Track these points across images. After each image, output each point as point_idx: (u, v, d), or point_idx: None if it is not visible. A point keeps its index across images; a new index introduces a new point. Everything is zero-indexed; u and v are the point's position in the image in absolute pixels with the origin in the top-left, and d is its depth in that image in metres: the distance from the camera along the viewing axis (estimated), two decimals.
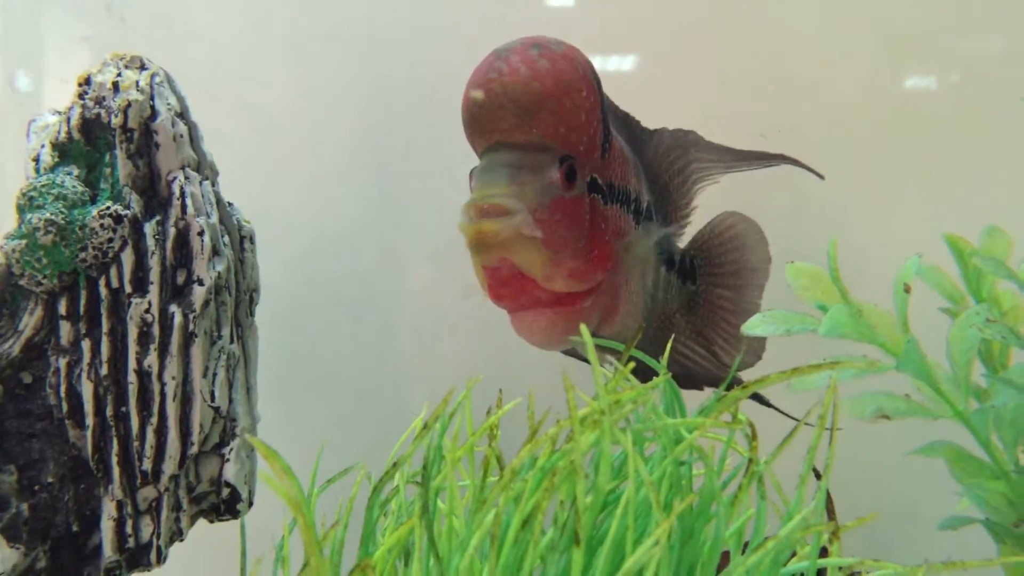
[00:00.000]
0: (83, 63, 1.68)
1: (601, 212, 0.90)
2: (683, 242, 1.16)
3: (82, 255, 0.86)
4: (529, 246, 0.80)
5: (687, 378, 1.08)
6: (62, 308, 0.88)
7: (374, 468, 1.02)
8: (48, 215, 0.85)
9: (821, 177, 1.14)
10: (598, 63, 0.92)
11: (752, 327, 1.08)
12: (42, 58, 1.73)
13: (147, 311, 0.88)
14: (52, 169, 0.90)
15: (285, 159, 1.55)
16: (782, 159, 1.10)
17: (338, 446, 1.05)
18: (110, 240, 0.87)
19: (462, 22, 1.50)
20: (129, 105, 0.90)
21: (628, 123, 1.06)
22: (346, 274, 1.54)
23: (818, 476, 0.68)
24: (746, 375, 1.15)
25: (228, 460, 0.93)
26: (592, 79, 0.87)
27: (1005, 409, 1.04)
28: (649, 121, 1.08)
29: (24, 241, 0.85)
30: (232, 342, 0.96)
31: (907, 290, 1.03)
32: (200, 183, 0.94)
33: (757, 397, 1.08)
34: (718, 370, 1.10)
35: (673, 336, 1.08)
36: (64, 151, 0.91)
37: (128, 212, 0.88)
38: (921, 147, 1.44)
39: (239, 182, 1.05)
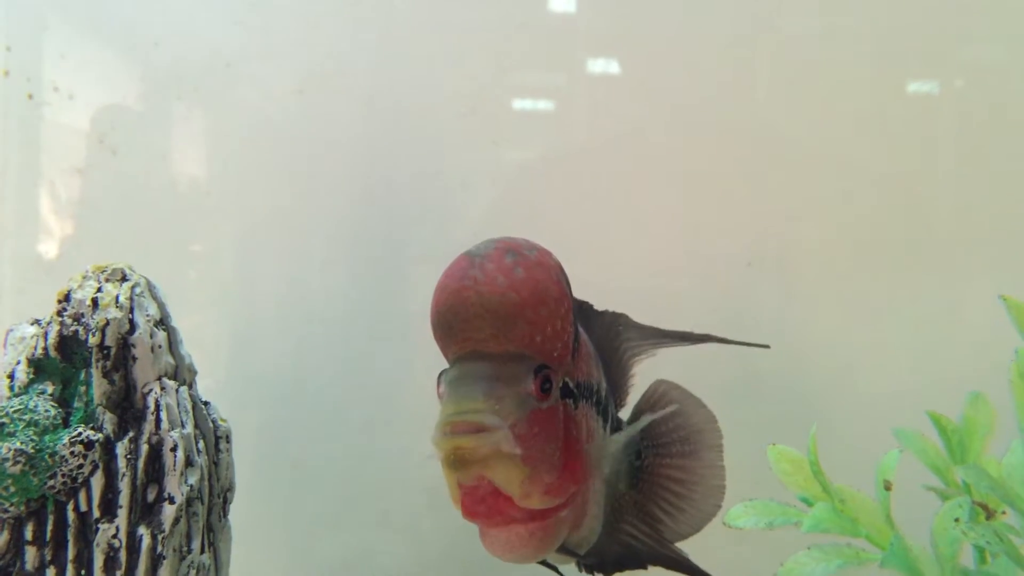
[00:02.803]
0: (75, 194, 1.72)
1: (573, 418, 0.89)
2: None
3: (51, 482, 0.85)
4: (508, 464, 0.78)
5: (630, 558, 1.05)
6: (28, 533, 0.86)
7: None
8: (18, 444, 0.84)
9: (766, 347, 1.13)
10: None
11: (735, 518, 1.07)
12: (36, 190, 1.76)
13: (114, 536, 0.87)
14: (26, 387, 0.90)
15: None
16: (708, 338, 1.10)
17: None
18: (80, 466, 0.86)
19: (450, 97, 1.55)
20: (107, 323, 0.90)
21: (583, 309, 1.06)
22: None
23: None
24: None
25: None
26: (564, 282, 0.87)
27: None
28: None
29: None
30: (203, 552, 0.94)
31: (888, 487, 1.03)
32: (177, 390, 0.94)
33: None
34: (660, 546, 1.07)
35: (621, 518, 1.05)
36: (40, 367, 0.91)
37: (99, 436, 0.88)
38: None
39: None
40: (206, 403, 1.01)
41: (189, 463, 0.92)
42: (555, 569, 1.06)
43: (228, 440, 1.02)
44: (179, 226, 1.72)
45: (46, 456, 0.85)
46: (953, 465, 1.15)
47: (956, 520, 1.01)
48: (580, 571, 1.07)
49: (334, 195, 1.64)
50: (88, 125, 1.71)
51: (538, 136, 1.62)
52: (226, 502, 1.01)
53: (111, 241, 1.76)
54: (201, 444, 0.96)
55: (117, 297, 0.92)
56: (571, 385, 0.89)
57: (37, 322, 0.95)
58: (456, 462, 0.77)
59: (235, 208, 1.69)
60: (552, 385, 0.84)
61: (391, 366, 1.56)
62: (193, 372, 1.01)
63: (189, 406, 0.95)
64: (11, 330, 0.95)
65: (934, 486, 1.16)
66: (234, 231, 1.70)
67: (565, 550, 0.95)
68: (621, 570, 1.05)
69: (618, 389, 1.09)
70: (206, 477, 0.96)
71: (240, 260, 1.70)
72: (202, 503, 0.94)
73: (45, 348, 0.91)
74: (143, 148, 1.72)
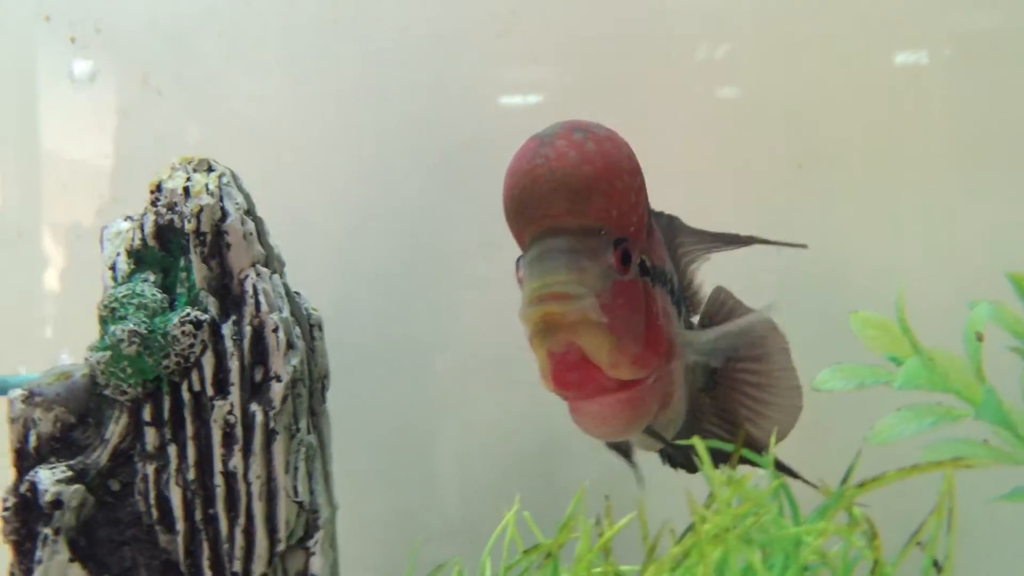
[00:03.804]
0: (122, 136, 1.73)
1: (652, 295, 0.88)
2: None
3: (165, 362, 0.88)
4: (596, 331, 0.78)
5: (717, 458, 1.06)
6: (146, 415, 0.89)
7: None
8: (131, 326, 0.86)
9: (803, 247, 1.11)
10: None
11: (823, 382, 1.07)
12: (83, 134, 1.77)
13: (230, 412, 0.89)
14: (129, 277, 0.91)
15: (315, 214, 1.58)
16: (753, 240, 1.09)
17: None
18: (191, 346, 0.88)
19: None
20: (201, 209, 0.91)
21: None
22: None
23: (938, 568, 0.66)
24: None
25: (314, 554, 0.93)
26: (636, 159, 0.87)
27: None
28: None
29: (108, 352, 0.87)
30: (309, 433, 0.97)
31: (980, 339, 1.02)
32: (270, 277, 0.96)
33: (784, 468, 1.05)
34: (745, 447, 1.07)
35: (702, 417, 1.06)
36: (139, 258, 0.92)
37: (207, 316, 0.90)
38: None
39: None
40: (296, 293, 1.03)
41: (290, 345, 0.94)
42: (629, 461, 1.08)
43: (320, 328, 1.03)
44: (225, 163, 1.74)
45: (159, 337, 0.87)
46: None
47: None
48: (664, 463, 1.08)
49: (374, 123, 1.62)
50: (131, 65, 1.71)
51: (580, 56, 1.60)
52: (323, 389, 1.04)
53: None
54: (297, 330, 0.98)
55: (207, 185, 0.93)
56: (648, 264, 0.89)
57: (130, 218, 0.97)
58: (545, 329, 0.78)
59: (280, 138, 1.69)
60: (631, 258, 0.83)
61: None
62: (281, 263, 1.02)
63: (283, 292, 0.97)
64: (105, 227, 0.97)
65: (1017, 347, 1.15)
66: (282, 161, 1.69)
67: (653, 433, 0.96)
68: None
69: (685, 290, 1.09)
70: (305, 361, 0.98)
71: (294, 188, 1.70)
72: (304, 385, 0.96)
73: (143, 239, 0.92)
74: (187, 87, 1.72)
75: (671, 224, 1.05)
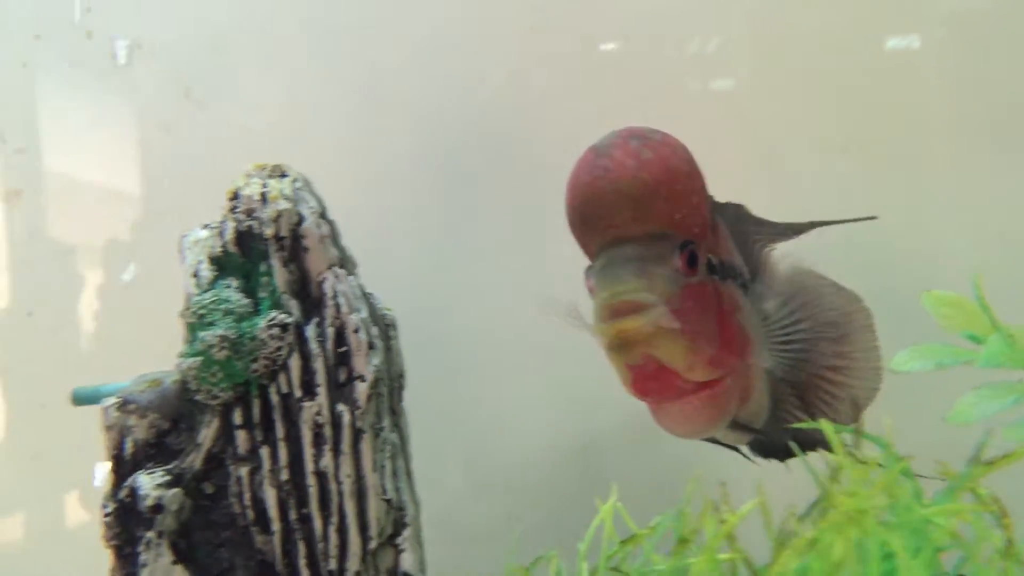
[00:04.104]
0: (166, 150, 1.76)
1: (722, 293, 0.89)
2: None
3: (254, 366, 0.89)
4: (670, 338, 0.79)
5: (804, 444, 1.05)
6: (236, 418, 0.91)
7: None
8: (220, 331, 0.88)
9: (873, 219, 1.10)
10: None
11: (901, 363, 1.06)
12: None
13: (318, 413, 0.90)
14: (212, 283, 0.93)
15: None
16: (815, 225, 1.08)
17: None
18: (279, 348, 0.89)
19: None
20: (280, 215, 0.93)
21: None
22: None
23: None
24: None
25: (404, 550, 0.95)
26: (693, 160, 0.87)
27: None
28: None
29: (199, 358, 0.88)
30: (392, 431, 0.98)
31: None
32: (347, 279, 0.97)
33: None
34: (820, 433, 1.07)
35: (780, 404, 1.06)
36: (221, 264, 0.94)
37: (292, 319, 0.91)
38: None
39: None
40: (369, 293, 1.04)
41: (371, 345, 0.95)
42: (737, 450, 1.07)
43: (395, 328, 1.04)
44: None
45: (247, 341, 0.89)
46: None
47: None
48: (755, 455, 1.08)
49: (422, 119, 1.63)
50: (173, 79, 1.73)
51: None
52: (400, 387, 1.05)
53: (208, 191, 1.80)
54: (375, 330, 0.99)
55: (282, 191, 0.94)
56: (714, 261, 0.89)
57: (207, 226, 0.98)
58: (621, 345, 0.79)
59: (320, 143, 1.70)
60: (698, 260, 0.84)
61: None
62: (354, 264, 1.03)
63: (360, 293, 0.98)
64: (184, 236, 0.98)
65: None
66: (323, 164, 1.70)
67: (740, 426, 0.96)
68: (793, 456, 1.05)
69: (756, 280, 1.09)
70: (384, 360, 0.98)
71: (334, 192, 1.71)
72: (384, 385, 0.97)
73: (223, 245, 0.94)
74: (228, 99, 1.74)
75: (739, 213, 1.05)
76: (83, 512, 1.62)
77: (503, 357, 1.53)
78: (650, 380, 0.82)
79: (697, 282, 0.83)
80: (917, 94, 1.46)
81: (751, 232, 1.06)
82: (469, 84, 1.60)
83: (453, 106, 1.60)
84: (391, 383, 1.01)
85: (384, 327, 1.03)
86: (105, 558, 0.91)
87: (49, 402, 1.61)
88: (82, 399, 0.94)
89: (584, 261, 0.88)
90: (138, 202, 1.76)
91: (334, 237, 0.99)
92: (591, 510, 0.97)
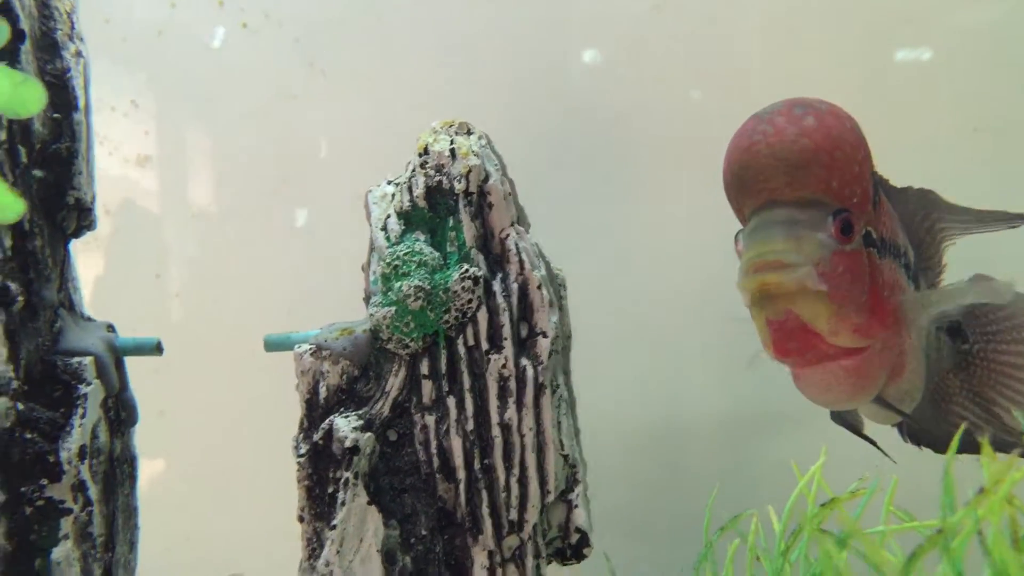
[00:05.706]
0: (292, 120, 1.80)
1: (878, 266, 0.87)
2: None
3: (445, 317, 0.91)
4: (814, 299, 0.79)
5: (967, 443, 1.03)
6: (423, 368, 0.93)
7: None
8: (416, 282, 0.90)
9: None
10: None
11: None
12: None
13: (504, 366, 0.92)
14: (401, 237, 0.95)
15: None
16: (1016, 217, 1.03)
17: None
18: (469, 301, 0.91)
19: None
20: (470, 170, 0.94)
21: (881, 182, 1.03)
22: None
23: None
24: None
25: (577, 506, 0.96)
26: (859, 131, 0.85)
27: None
28: None
29: (394, 308, 0.90)
30: (565, 388, 0.99)
31: None
32: (526, 237, 0.98)
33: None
34: (1003, 433, 1.04)
35: (950, 399, 1.03)
36: (408, 219, 0.96)
37: (482, 273, 0.92)
38: None
39: None
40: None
41: (551, 303, 0.95)
42: (873, 443, 1.06)
43: (565, 287, 1.05)
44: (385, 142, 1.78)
45: (440, 292, 0.90)
46: None
47: None
48: (905, 440, 1.06)
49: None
50: (299, 50, 1.77)
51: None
52: (569, 348, 1.05)
53: (332, 164, 1.84)
54: (552, 288, 0.99)
55: (471, 147, 0.95)
56: (873, 235, 0.87)
57: (391, 182, 1.00)
58: (763, 298, 0.79)
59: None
60: (853, 229, 0.83)
61: None
62: (529, 224, 1.04)
63: (538, 251, 0.99)
64: (370, 191, 1.01)
65: None
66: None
67: (886, 404, 0.94)
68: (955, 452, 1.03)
69: (930, 268, 1.06)
70: (559, 319, 0.99)
71: None
72: (561, 343, 0.98)
73: (411, 200, 0.96)
74: (351, 70, 1.77)
75: (924, 198, 1.03)
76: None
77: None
78: (790, 340, 0.81)
79: (851, 251, 0.82)
80: None
81: (937, 218, 1.04)
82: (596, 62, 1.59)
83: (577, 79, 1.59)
84: (565, 342, 1.02)
85: (557, 286, 1.03)
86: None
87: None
88: (273, 345, 0.97)
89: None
90: (264, 169, 1.81)
91: (514, 195, 1.00)
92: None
